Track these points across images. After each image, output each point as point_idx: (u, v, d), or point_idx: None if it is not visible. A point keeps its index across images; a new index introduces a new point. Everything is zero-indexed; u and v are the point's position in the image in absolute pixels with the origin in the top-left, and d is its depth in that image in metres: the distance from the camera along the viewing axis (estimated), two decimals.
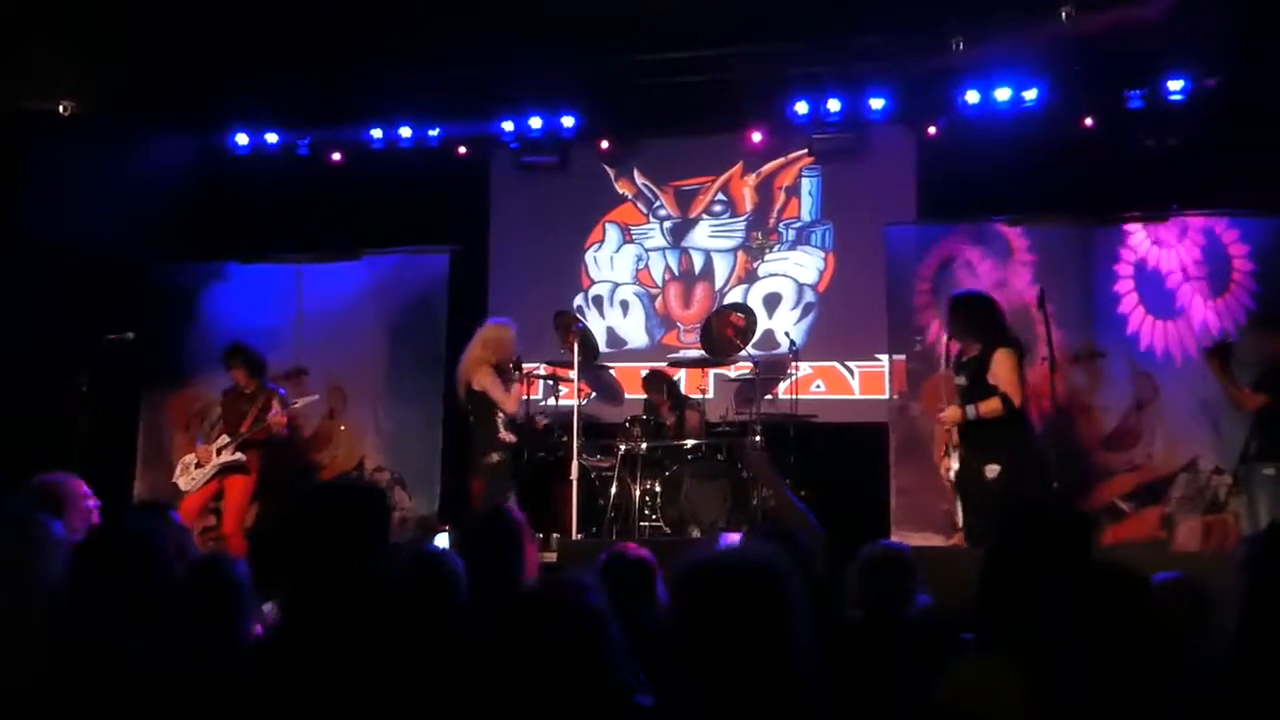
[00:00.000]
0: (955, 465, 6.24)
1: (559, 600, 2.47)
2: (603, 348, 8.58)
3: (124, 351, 7.70)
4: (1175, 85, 7.77)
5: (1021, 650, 2.23)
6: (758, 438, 7.34)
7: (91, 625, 2.46)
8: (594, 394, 8.05)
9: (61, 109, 8.35)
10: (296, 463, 8.80)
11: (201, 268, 9.30)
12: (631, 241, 9.32)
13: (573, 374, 7.27)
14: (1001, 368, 6.10)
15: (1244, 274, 7.60)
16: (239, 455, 7.56)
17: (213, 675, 2.31)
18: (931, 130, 8.47)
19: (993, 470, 6.08)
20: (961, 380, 6.28)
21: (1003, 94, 8.07)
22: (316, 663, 2.19)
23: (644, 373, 8.46)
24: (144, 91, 8.39)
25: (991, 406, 6.06)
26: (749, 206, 9.10)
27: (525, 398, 7.59)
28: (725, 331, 7.84)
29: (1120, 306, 7.82)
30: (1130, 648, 2.14)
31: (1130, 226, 7.88)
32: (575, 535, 6.41)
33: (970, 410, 6.10)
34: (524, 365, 7.34)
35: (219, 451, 7.57)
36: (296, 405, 7.81)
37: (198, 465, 7.64)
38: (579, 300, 9.24)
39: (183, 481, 7.65)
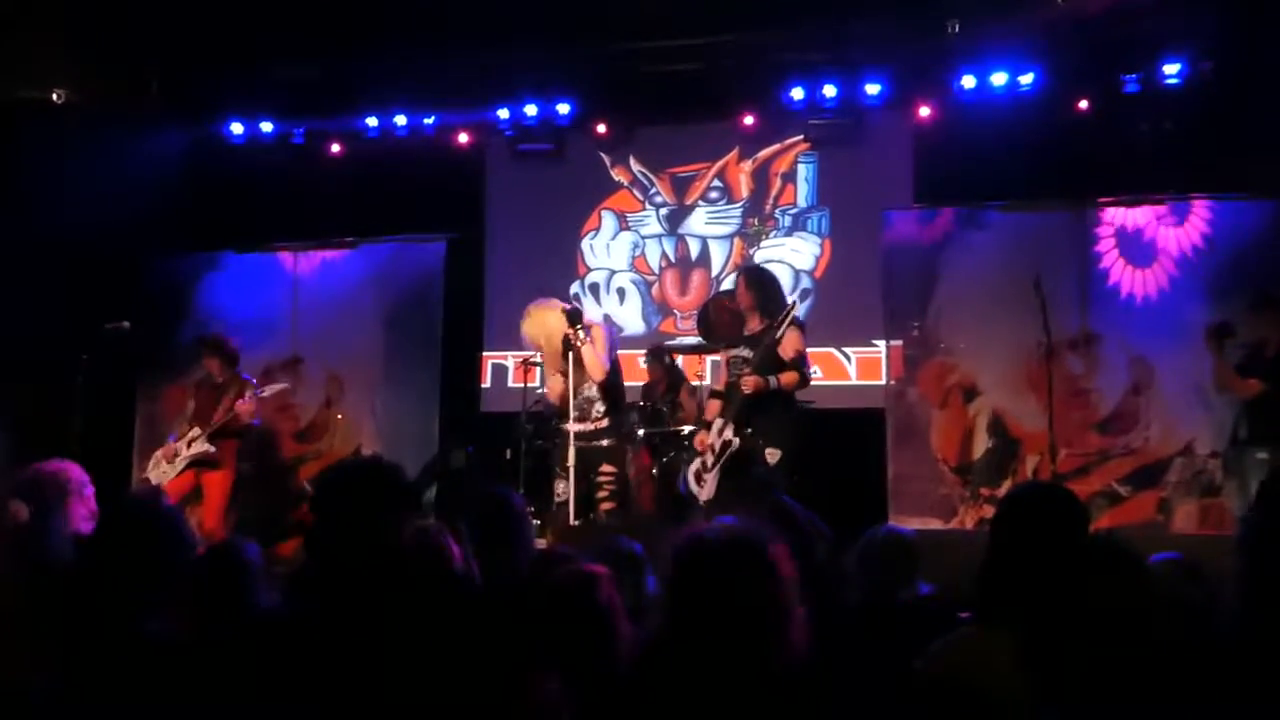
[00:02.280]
0: (727, 435, 6.15)
1: (573, 586, 2.55)
2: None
3: (120, 341, 7.69)
4: (1171, 69, 7.76)
5: (1014, 623, 2.28)
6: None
7: (109, 610, 2.49)
8: None
9: (55, 98, 8.34)
10: (280, 458, 8.82)
11: (197, 257, 9.36)
12: (628, 228, 9.31)
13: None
14: (794, 344, 6.16)
15: (1237, 256, 7.61)
16: (209, 446, 7.34)
17: (231, 654, 2.34)
18: (927, 113, 8.45)
19: (774, 455, 6.10)
20: (746, 353, 6.25)
21: (999, 78, 8.08)
22: (343, 641, 2.24)
23: (649, 348, 8.43)
24: (138, 81, 8.42)
25: (791, 379, 6.11)
26: (745, 193, 9.09)
27: (523, 385, 7.61)
28: (722, 317, 7.83)
29: (1109, 279, 7.85)
30: (1122, 622, 2.18)
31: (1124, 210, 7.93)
32: (573, 521, 6.41)
33: (772, 380, 6.09)
34: (523, 353, 7.34)
35: (189, 444, 7.38)
36: (264, 394, 7.55)
37: (167, 461, 7.45)
38: (575, 287, 9.25)
39: (153, 475, 7.47)
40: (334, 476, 2.56)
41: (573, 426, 6.35)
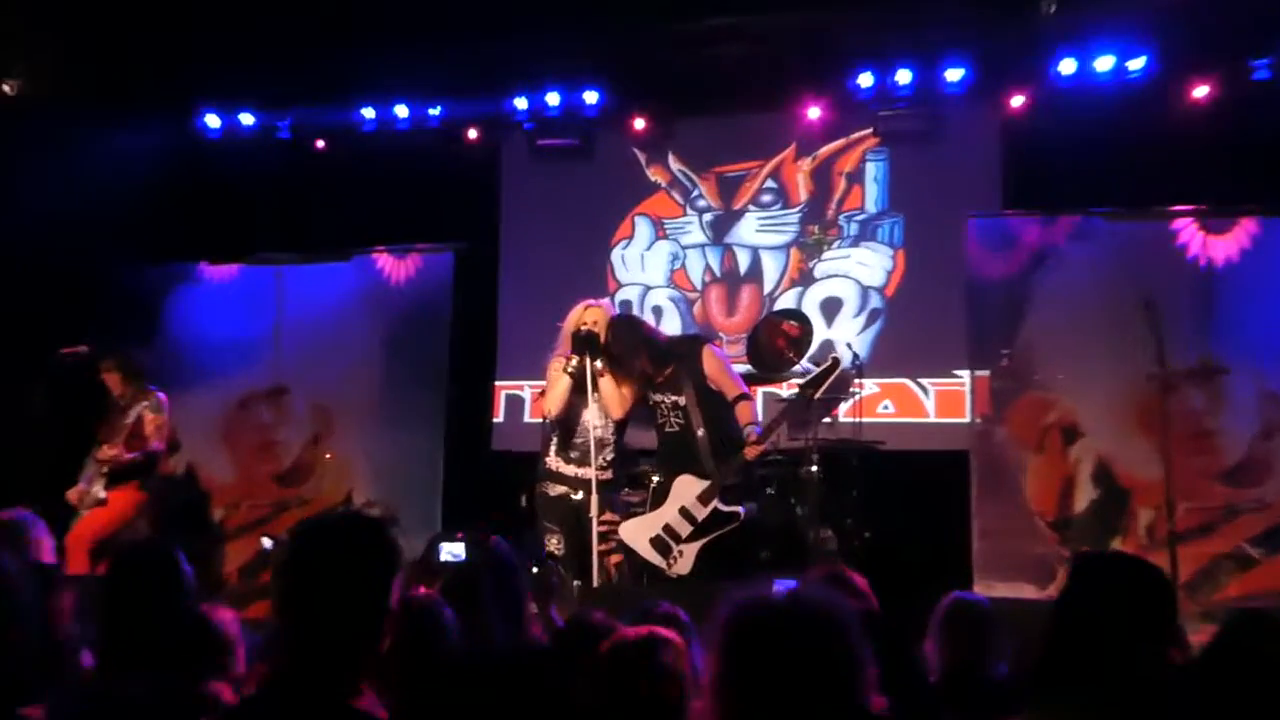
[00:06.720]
0: (718, 506, 6.43)
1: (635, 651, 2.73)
2: None
3: (79, 368, 7.73)
4: None
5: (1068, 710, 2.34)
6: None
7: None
8: None
9: (8, 89, 8.43)
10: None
11: (167, 270, 9.46)
12: (665, 237, 9.32)
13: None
14: (720, 368, 6.70)
15: None
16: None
17: None
18: (1019, 104, 8.44)
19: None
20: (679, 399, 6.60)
21: (1103, 63, 8.07)
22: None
23: None
24: (101, 69, 8.48)
25: (745, 411, 6.62)
26: (803, 196, 9.07)
27: (542, 420, 7.54)
28: (775, 342, 7.73)
29: (1236, 301, 7.83)
30: None
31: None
32: (595, 581, 6.35)
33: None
34: (541, 384, 7.29)
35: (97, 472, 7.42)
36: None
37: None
38: None
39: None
40: (311, 534, 2.51)
41: (595, 473, 6.33)
